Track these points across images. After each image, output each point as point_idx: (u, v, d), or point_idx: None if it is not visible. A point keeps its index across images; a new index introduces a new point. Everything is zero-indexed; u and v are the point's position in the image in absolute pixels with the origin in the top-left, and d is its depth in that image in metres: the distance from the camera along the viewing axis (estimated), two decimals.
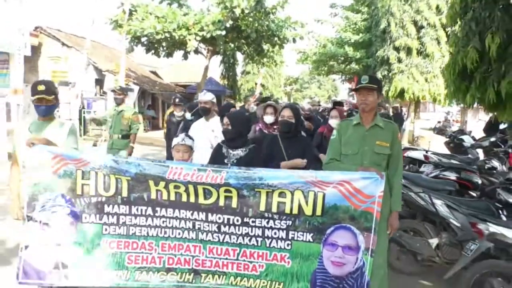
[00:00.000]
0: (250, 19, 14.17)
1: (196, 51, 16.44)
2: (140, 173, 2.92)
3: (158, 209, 3.01)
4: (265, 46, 17.45)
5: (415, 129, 15.39)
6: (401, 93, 13.85)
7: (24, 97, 9.63)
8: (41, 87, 3.17)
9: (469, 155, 6.56)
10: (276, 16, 15.31)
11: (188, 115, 6.25)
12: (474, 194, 5.05)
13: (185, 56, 16.41)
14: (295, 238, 2.93)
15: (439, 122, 25.61)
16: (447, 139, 8.40)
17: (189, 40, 14.37)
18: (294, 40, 16.07)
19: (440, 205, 3.86)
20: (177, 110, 6.90)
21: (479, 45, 5.62)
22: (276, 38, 15.80)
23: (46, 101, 3.16)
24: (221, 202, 2.93)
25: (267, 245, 2.96)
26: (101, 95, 17.58)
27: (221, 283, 3.04)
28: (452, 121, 27.25)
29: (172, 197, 2.96)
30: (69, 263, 3.03)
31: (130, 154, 6.12)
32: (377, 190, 2.81)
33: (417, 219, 4.16)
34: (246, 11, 13.36)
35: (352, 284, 2.88)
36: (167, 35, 14.03)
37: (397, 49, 14.03)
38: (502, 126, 7.82)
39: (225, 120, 3.53)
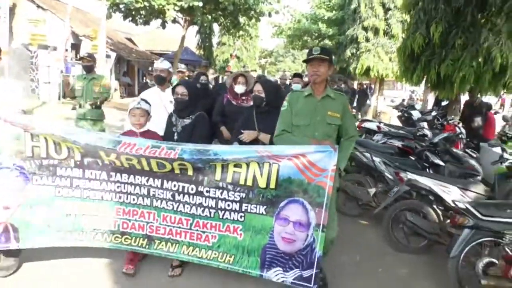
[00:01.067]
0: None
1: (174, 21, 16.79)
2: (89, 144, 2.93)
3: (113, 173, 3.02)
4: (242, 19, 17.98)
5: (379, 105, 16.55)
6: (367, 71, 14.89)
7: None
8: None
9: (417, 128, 7.66)
10: None
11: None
12: (413, 158, 6.10)
13: (163, 25, 16.75)
14: (248, 210, 2.95)
15: (403, 100, 27.08)
16: (399, 113, 9.54)
17: (168, 9, 14.72)
18: (269, 14, 16.69)
19: (378, 162, 4.86)
20: (150, 78, 6.89)
21: (425, 33, 6.66)
22: (252, 12, 16.35)
23: None
24: (177, 171, 2.95)
25: (220, 216, 2.99)
26: (76, 59, 17.71)
27: (174, 251, 3.09)
28: (416, 99, 28.79)
29: (126, 166, 2.97)
30: (20, 225, 3.01)
31: (93, 106, 5.78)
32: (330, 163, 2.79)
33: (361, 173, 5.18)
34: None
35: (302, 261, 2.90)
36: (146, 3, 14.33)
37: (365, 29, 14.95)
38: (444, 103, 9.00)
39: (181, 89, 3.55)
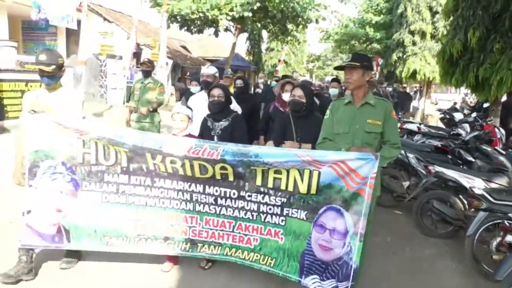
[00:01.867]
0: (277, 1, 15.37)
1: (226, 29, 17.83)
2: (137, 146, 3.02)
3: (156, 179, 3.11)
4: (289, 26, 18.67)
5: (426, 108, 16.56)
6: (413, 74, 15.03)
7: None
8: (42, 57, 3.15)
9: (459, 128, 7.97)
10: None
11: (194, 89, 6.13)
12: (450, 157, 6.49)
13: (216, 34, 17.83)
14: (290, 215, 2.98)
15: (455, 103, 26.47)
16: (441, 115, 9.78)
17: (221, 19, 15.73)
18: (317, 21, 17.23)
19: (411, 158, 5.37)
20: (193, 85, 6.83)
21: (463, 38, 7.02)
22: (300, 19, 16.99)
23: (46, 72, 3.15)
24: (218, 176, 3.01)
25: (262, 219, 3.04)
26: (137, 67, 19.29)
27: (217, 253, 3.16)
28: (469, 102, 27.99)
29: (170, 171, 3.05)
30: (71, 228, 3.16)
31: (149, 111, 6.01)
32: (371, 171, 2.73)
33: (396, 168, 5.69)
34: None
35: (338, 271, 2.85)
36: (201, 14, 15.42)
37: (412, 32, 15.11)
38: (486, 105, 9.15)
39: (217, 91, 3.61)
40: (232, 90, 5.83)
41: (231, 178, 2.99)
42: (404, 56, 15.39)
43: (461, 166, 5.48)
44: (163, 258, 3.48)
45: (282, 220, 3.00)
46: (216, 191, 3.05)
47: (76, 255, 3.40)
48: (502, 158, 4.87)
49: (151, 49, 17.94)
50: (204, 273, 3.48)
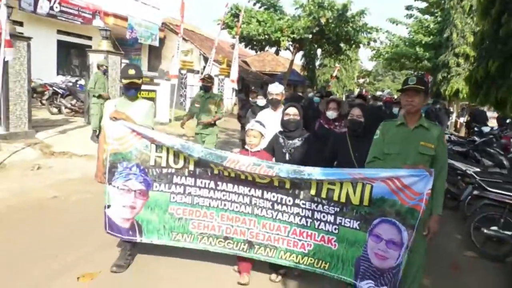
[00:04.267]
0: (333, 25, 17.54)
1: (286, 48, 20.24)
2: (202, 158, 3.26)
3: (219, 183, 3.34)
4: (343, 45, 20.70)
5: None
6: (456, 93, 16.52)
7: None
8: (132, 72, 3.49)
9: (474, 136, 9.70)
10: (355, 22, 18.49)
11: (261, 102, 6.55)
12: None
13: (277, 52, 20.34)
14: (342, 224, 3.08)
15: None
16: (475, 128, 11.47)
17: (283, 40, 18.16)
18: (368, 43, 19.17)
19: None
20: (253, 97, 7.23)
21: (485, 66, 8.77)
22: (353, 41, 19.03)
23: (135, 84, 3.50)
24: (276, 183, 3.19)
25: (316, 226, 3.16)
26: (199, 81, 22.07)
27: (272, 255, 3.30)
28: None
29: (232, 175, 3.29)
30: (143, 223, 3.48)
31: (213, 121, 6.31)
32: (426, 187, 2.77)
33: None
34: (330, 20, 16.79)
35: (391, 279, 2.96)
36: (266, 36, 17.96)
37: (456, 55, 16.64)
38: (508, 121, 10.78)
39: (293, 110, 3.69)
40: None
41: (287, 186, 3.17)
42: (449, 76, 16.92)
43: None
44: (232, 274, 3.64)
45: (335, 228, 3.11)
46: (273, 196, 3.23)
47: (128, 262, 3.65)
48: (501, 158, 6.70)
49: (219, 65, 20.65)
50: (275, 285, 3.59)
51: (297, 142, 3.67)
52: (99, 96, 8.79)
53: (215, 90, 18.48)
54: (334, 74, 27.06)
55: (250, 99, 7.18)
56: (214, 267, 3.73)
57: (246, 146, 3.63)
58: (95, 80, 8.83)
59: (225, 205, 3.37)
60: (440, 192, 2.97)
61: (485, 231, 4.55)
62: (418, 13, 23.79)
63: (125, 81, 3.48)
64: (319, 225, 3.16)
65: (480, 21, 9.53)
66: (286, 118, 3.69)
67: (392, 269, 2.95)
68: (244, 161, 3.20)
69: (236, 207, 3.35)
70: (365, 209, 2.98)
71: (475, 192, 5.18)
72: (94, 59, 10.28)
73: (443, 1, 19.97)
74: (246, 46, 20.57)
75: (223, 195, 3.37)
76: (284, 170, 3.11)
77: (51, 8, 14.57)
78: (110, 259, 3.66)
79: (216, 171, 3.32)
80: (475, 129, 10.64)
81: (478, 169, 5.95)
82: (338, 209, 3.08)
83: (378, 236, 2.95)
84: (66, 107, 11.88)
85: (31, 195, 5.58)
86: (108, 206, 3.47)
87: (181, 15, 13.59)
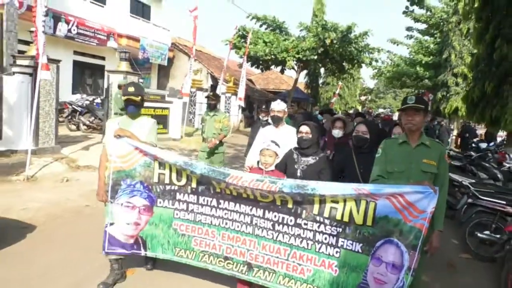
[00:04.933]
0: (337, 46, 18.28)
1: (291, 68, 20.98)
2: (204, 175, 3.27)
3: (221, 201, 3.33)
4: (345, 64, 21.44)
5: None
6: (455, 111, 17.15)
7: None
8: (131, 89, 3.55)
9: (470, 151, 10.26)
10: (358, 43, 19.25)
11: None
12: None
13: (282, 71, 21.07)
14: (344, 246, 2.97)
15: (481, 135, 27.75)
16: (470, 146, 12.08)
17: (288, 60, 18.91)
18: (370, 63, 19.90)
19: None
20: (263, 115, 7.13)
21: (481, 87, 9.43)
22: (355, 60, 19.77)
23: (133, 101, 3.55)
24: (278, 202, 3.14)
25: (317, 249, 3.05)
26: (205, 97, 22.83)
27: (270, 280, 3.21)
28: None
29: (234, 193, 3.27)
30: (147, 238, 3.51)
31: (218, 141, 6.32)
32: (429, 205, 2.71)
33: None
34: (334, 41, 17.55)
35: None
36: (272, 56, 18.71)
37: (455, 75, 17.35)
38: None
39: (305, 128, 3.74)
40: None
41: (290, 205, 3.11)
42: (448, 95, 17.59)
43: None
44: None
45: (337, 252, 3.01)
46: (275, 216, 3.17)
47: (115, 280, 3.63)
48: (495, 171, 7.25)
49: (226, 83, 21.39)
50: None
51: (310, 160, 3.72)
52: (122, 113, 9.40)
53: (222, 107, 19.26)
54: (336, 92, 27.79)
55: (260, 117, 7.20)
56: (213, 286, 3.76)
57: (260, 165, 3.67)
58: (116, 99, 9.48)
59: (226, 223, 3.35)
60: (441, 209, 2.94)
61: (479, 235, 5.07)
62: (418, 34, 24.73)
63: (123, 98, 3.59)
64: (320, 247, 3.06)
65: (475, 45, 10.24)
66: (299, 136, 3.77)
67: None
68: (247, 177, 3.20)
69: (237, 226, 3.32)
70: (368, 230, 2.89)
71: (470, 201, 5.61)
72: (113, 79, 10.96)
73: (442, 23, 20.84)
74: (252, 65, 21.32)
75: (225, 214, 3.35)
76: (288, 185, 3.07)
77: (69, 30, 15.39)
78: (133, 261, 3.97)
79: (218, 189, 3.31)
80: (473, 145, 11.22)
81: (473, 180, 6.48)
82: (340, 230, 2.98)
83: (379, 259, 2.85)
84: (84, 124, 12.52)
85: (67, 204, 6.15)
86: (111, 224, 3.50)
87: (193, 37, 14.34)
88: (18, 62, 8.34)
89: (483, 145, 11.07)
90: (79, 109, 12.63)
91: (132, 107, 3.60)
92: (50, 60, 8.60)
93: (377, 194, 2.84)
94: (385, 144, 3.21)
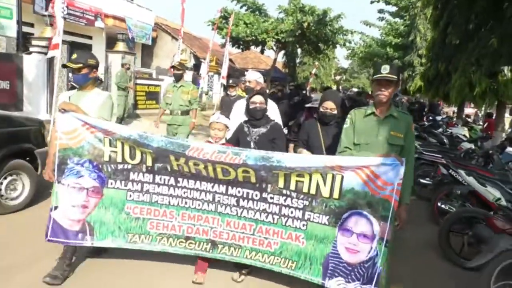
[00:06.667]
0: (313, 28, 19.57)
1: (270, 48, 22.21)
2: (161, 148, 3.06)
3: (180, 179, 3.17)
4: (321, 45, 22.79)
5: None
6: (420, 89, 18.94)
7: None
8: (73, 56, 3.27)
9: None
10: (333, 25, 20.58)
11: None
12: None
13: (262, 52, 22.28)
14: (311, 219, 3.00)
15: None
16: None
17: (268, 41, 20.10)
18: (344, 44, 21.34)
19: None
20: (231, 90, 6.90)
21: (436, 67, 11.05)
22: (330, 42, 21.15)
23: (76, 70, 3.22)
24: (240, 178, 3.05)
25: (283, 223, 3.05)
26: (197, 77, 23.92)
27: (237, 255, 3.19)
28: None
29: (193, 171, 3.11)
30: (95, 224, 3.21)
31: (192, 129, 6.31)
32: (396, 177, 2.75)
33: None
34: (311, 24, 18.84)
35: (363, 273, 2.87)
36: (253, 37, 19.86)
37: (420, 56, 19.05)
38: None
39: (259, 98, 3.61)
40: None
41: (253, 180, 3.04)
42: (413, 74, 19.34)
43: None
44: (190, 270, 3.50)
45: (304, 225, 3.02)
46: (239, 192, 3.11)
47: (65, 275, 3.27)
48: (443, 137, 8.89)
49: (209, 62, 22.42)
50: (236, 285, 3.46)
51: (262, 129, 3.67)
52: (125, 89, 10.59)
53: (204, 86, 20.35)
54: (313, 72, 29.19)
55: (228, 93, 6.92)
56: (171, 266, 3.64)
57: (209, 139, 3.55)
58: (121, 76, 10.63)
59: (186, 203, 3.23)
60: (408, 182, 2.96)
61: (421, 181, 6.67)
62: (389, 16, 26.21)
63: (69, 65, 3.26)
64: (286, 221, 3.08)
65: (432, 29, 11.84)
66: (252, 106, 3.65)
67: (364, 263, 2.89)
68: (208, 149, 3.05)
69: (198, 204, 3.22)
70: (335, 203, 2.93)
71: (416, 155, 7.11)
72: (112, 58, 12.04)
73: (411, 6, 22.38)
74: (233, 45, 22.38)
75: (184, 193, 3.22)
76: (252, 157, 2.99)
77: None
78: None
79: (176, 167, 3.15)
80: (430, 118, 12.99)
81: (420, 142, 8.11)
82: (307, 203, 3.00)
83: (348, 230, 2.91)
84: None
85: None
86: (55, 208, 3.19)
87: (181, 20, 15.33)
88: (34, 43, 9.33)
89: (439, 118, 12.88)
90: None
91: (75, 77, 3.36)
92: (64, 41, 9.67)
93: (343, 167, 2.87)
94: (353, 114, 3.17)
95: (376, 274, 2.86)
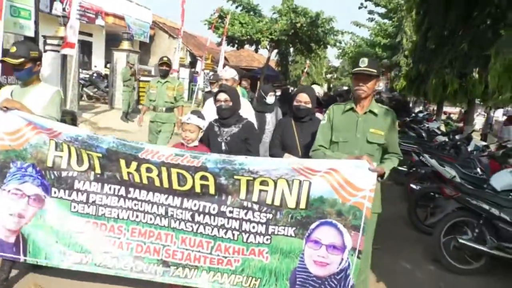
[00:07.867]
0: (305, 29, 20.52)
1: (264, 47, 23.13)
2: (112, 150, 2.78)
3: (131, 190, 2.85)
4: (313, 45, 23.77)
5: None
6: (404, 88, 20.00)
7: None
8: (12, 49, 2.87)
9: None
10: (324, 26, 21.55)
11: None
12: None
13: (256, 50, 23.17)
14: (276, 233, 2.77)
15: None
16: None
17: (262, 40, 21.01)
18: (335, 44, 22.34)
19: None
20: (212, 87, 6.69)
21: (417, 68, 12.05)
22: (322, 42, 22.14)
23: (13, 65, 2.86)
24: (197, 189, 2.77)
25: (244, 240, 2.80)
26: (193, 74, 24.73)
27: (192, 277, 2.86)
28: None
29: (145, 181, 2.80)
30: (29, 237, 2.88)
31: (178, 127, 5.89)
32: (369, 182, 2.59)
33: None
34: (304, 25, 19.78)
35: (335, 286, 2.71)
36: (248, 37, 20.76)
37: (406, 56, 20.09)
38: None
39: (223, 96, 3.34)
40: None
41: (212, 191, 2.78)
42: (400, 74, 20.39)
43: None
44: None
45: (267, 239, 2.80)
46: (195, 205, 2.82)
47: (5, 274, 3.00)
48: (421, 130, 9.89)
49: (205, 60, 23.24)
50: None
51: (234, 129, 3.41)
52: (129, 85, 11.44)
53: (201, 83, 21.15)
54: (305, 70, 30.14)
55: (210, 89, 6.69)
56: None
57: (181, 141, 3.29)
58: (125, 73, 11.46)
59: (137, 216, 2.91)
60: (391, 163, 2.88)
61: (399, 168, 7.62)
62: (379, 18, 27.25)
63: (8, 61, 2.89)
64: (248, 237, 2.82)
65: (415, 33, 12.83)
66: (217, 104, 3.40)
67: (336, 275, 2.73)
68: (164, 151, 2.82)
69: (150, 219, 2.90)
70: (301, 213, 2.73)
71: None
72: (117, 56, 12.85)
73: (399, 9, 23.39)
74: (228, 44, 23.24)
75: (135, 205, 2.90)
76: (212, 159, 2.76)
77: (63, 9, 16.78)
78: None
79: (126, 176, 2.85)
80: (413, 114, 14.04)
81: (400, 135, 9.06)
82: (270, 216, 2.77)
83: (316, 242, 2.73)
84: (88, 95, 14.32)
85: None
86: None
87: (181, 19, 16.13)
88: (49, 41, 10.13)
89: (421, 114, 13.94)
90: (81, 81, 14.36)
91: (22, 73, 2.96)
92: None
93: (311, 171, 2.68)
94: (331, 110, 3.03)
95: (350, 286, 2.73)
